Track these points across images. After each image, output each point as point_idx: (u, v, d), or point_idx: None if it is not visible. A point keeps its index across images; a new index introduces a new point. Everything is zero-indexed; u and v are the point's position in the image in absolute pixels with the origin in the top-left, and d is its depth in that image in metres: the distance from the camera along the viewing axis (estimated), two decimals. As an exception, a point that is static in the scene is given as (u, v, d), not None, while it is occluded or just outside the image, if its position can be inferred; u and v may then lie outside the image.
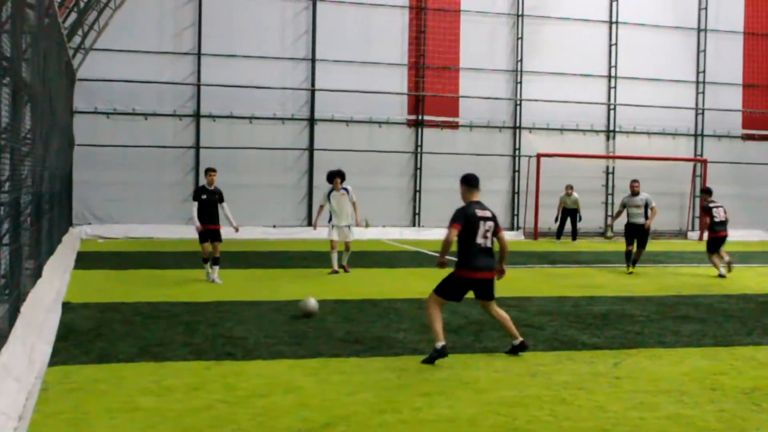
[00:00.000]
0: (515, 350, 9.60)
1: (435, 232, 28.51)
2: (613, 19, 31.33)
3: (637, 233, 19.33)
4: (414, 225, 29.51)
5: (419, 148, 29.52)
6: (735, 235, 30.62)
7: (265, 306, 12.97)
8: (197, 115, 28.08)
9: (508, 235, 28.83)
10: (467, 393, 7.93)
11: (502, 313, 9.71)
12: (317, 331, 10.86)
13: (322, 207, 18.41)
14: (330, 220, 18.07)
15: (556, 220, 28.85)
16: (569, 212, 28.87)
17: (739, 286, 16.95)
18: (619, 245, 21.94)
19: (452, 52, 29.89)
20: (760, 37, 33.00)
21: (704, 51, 32.31)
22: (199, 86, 27.97)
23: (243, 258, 20.69)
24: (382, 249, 24.34)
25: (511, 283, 16.37)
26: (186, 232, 24.47)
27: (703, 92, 32.32)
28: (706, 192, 20.00)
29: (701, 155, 32.25)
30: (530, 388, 8.15)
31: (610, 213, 30.89)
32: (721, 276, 18.25)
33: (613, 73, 31.37)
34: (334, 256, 17.81)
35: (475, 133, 30.02)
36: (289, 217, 28.81)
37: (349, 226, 17.96)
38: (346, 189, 17.94)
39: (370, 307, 13.12)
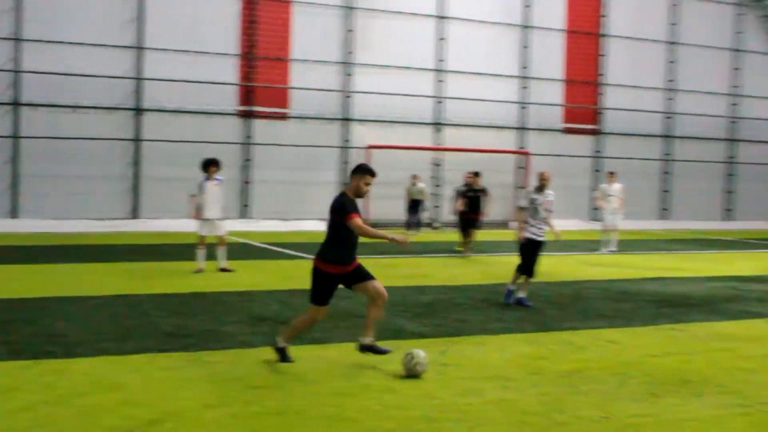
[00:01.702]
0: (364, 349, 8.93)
1: (265, 224, 28.37)
2: (442, 14, 31.96)
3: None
4: (244, 217, 29.22)
5: (249, 140, 29.24)
6: (558, 225, 31.91)
7: (89, 302, 12.52)
8: (15, 104, 26.83)
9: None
10: (297, 385, 7.91)
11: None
12: (143, 327, 10.57)
13: (194, 197, 16.82)
14: (200, 211, 16.65)
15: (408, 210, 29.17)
16: (415, 202, 29.16)
17: (559, 273, 17.64)
18: (447, 236, 22.49)
19: (283, 43, 29.76)
20: (580, 35, 34.44)
21: (528, 47, 33.43)
22: (18, 73, 26.72)
23: (66, 252, 19.93)
24: (210, 241, 23.87)
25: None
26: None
27: (527, 87, 33.45)
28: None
29: (525, 148, 33.37)
30: (360, 378, 8.21)
31: (437, 204, 31.54)
32: None
33: (441, 67, 32.02)
34: (201, 253, 16.61)
35: (306, 125, 29.99)
36: (116, 210, 27.98)
37: (219, 220, 16.78)
38: (220, 179, 16.77)
39: (197, 300, 12.90)
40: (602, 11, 34.84)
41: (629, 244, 25.56)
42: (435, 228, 30.46)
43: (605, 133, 35.20)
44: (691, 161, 36.38)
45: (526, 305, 13.00)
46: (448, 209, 26.06)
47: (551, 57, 33.99)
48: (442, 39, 31.93)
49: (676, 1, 36.27)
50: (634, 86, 35.49)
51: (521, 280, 13.39)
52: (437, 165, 32.10)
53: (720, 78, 37.73)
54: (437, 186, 31.96)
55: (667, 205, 36.31)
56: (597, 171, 34.71)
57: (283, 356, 8.80)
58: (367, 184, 8.72)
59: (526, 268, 13.28)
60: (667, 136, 36.52)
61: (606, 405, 7.49)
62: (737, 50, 38.00)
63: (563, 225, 31.93)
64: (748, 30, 38.23)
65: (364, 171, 8.72)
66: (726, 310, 13.28)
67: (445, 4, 31.98)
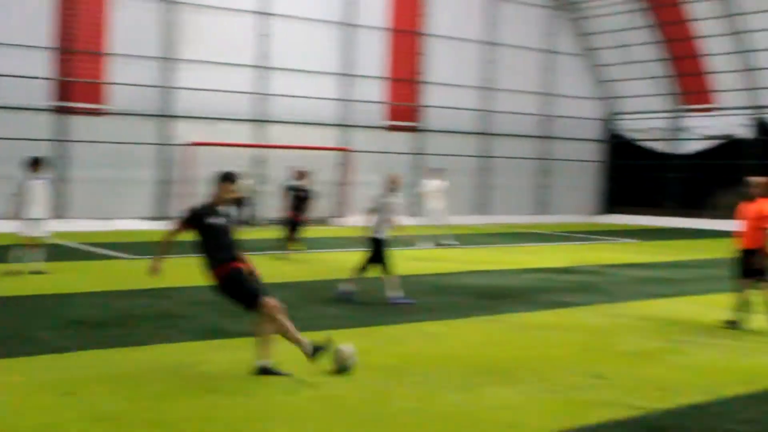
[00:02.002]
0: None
1: (83, 224, 27.40)
2: (264, 10, 31.76)
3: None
4: (61, 217, 28.08)
5: (65, 136, 28.14)
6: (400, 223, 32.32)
7: None
8: None
9: (159, 224, 28.37)
10: (116, 389, 7.70)
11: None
12: (-51, 333, 10.03)
13: (16, 196, 15.74)
14: (21, 211, 15.66)
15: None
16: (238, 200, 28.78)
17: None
18: (270, 233, 22.42)
19: (101, 36, 28.77)
20: (402, 34, 35.03)
21: (351, 45, 33.71)
22: None
23: None
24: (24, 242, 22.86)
25: (162, 273, 16.13)
26: None
27: (350, 84, 33.73)
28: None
29: (348, 145, 33.66)
30: (178, 380, 8.08)
31: (260, 202, 31.36)
32: None
33: (265, 64, 31.82)
34: (20, 254, 15.80)
35: (125, 121, 29.13)
36: None
37: (43, 220, 15.93)
38: (45, 178, 15.88)
39: (9, 304, 12.33)
40: (423, 10, 35.54)
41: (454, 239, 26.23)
42: (259, 225, 30.27)
43: (427, 131, 35.95)
44: (509, 158, 37.64)
45: (397, 303, 13.06)
46: (272, 206, 25.90)
47: (374, 55, 34.39)
48: (265, 35, 31.73)
49: (493, 2, 37.43)
50: (454, 85, 36.39)
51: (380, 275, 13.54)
52: (262, 162, 31.90)
53: (534, 77, 39.23)
54: (262, 183, 31.75)
55: (485, 200, 37.44)
56: (418, 168, 35.39)
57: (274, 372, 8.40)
58: (229, 191, 8.72)
59: (378, 264, 13.43)
60: (486, 134, 37.66)
61: (426, 396, 7.69)
62: (550, 51, 39.62)
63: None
64: (560, 32, 39.93)
65: (222, 179, 8.74)
66: (539, 301, 13.87)
67: (267, 0, 31.79)
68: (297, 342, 8.53)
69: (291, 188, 20.91)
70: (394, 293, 13.26)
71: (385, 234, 13.46)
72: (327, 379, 8.17)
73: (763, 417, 7.29)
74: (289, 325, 8.56)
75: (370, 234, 13.45)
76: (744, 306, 11.68)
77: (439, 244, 23.63)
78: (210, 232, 8.59)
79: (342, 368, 8.42)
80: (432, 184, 23.96)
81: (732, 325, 11.67)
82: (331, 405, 7.34)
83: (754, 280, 11.61)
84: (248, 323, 11.03)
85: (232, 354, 9.26)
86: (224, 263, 8.61)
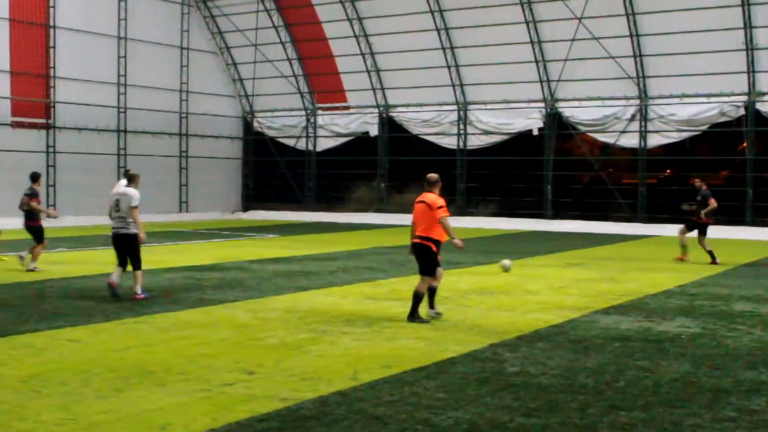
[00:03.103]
0: None
1: None
2: None
3: None
4: None
5: None
6: (8, 223, 30.39)
7: None
8: None
9: None
10: None
11: None
12: None
13: None
14: None
15: None
16: None
17: (14, 275, 16.83)
18: None
19: None
20: (27, 25, 33.04)
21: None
22: None
23: None
24: None
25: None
26: None
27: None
28: None
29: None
30: None
31: None
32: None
33: None
34: None
35: None
36: None
37: None
38: None
39: None
40: (50, 2, 33.77)
41: (87, 240, 25.23)
42: None
43: (58, 127, 34.24)
44: (146, 155, 36.84)
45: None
46: None
47: (-5, 47, 32.17)
48: None
49: (124, -4, 36.51)
50: (86, 80, 34.99)
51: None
52: None
53: (170, 74, 38.76)
54: None
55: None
56: (51, 166, 33.64)
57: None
58: None
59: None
60: (122, 131, 36.63)
61: (70, 406, 7.31)
62: (184, 48, 39.35)
63: (16, 224, 30.60)
64: (194, 29, 39.82)
65: None
66: (185, 300, 13.73)
67: None
68: None
69: None
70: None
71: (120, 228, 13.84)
72: (-43, 397, 7.51)
73: (404, 397, 7.72)
74: None
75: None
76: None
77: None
78: None
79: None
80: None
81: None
82: (-36, 425, 6.74)
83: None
84: None
85: None
86: None
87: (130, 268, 13.84)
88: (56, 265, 18.74)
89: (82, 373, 8.48)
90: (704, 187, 20.93)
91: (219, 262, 19.64)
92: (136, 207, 13.71)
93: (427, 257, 12.05)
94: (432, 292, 12.19)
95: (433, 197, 12.16)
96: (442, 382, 8.36)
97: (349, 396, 7.79)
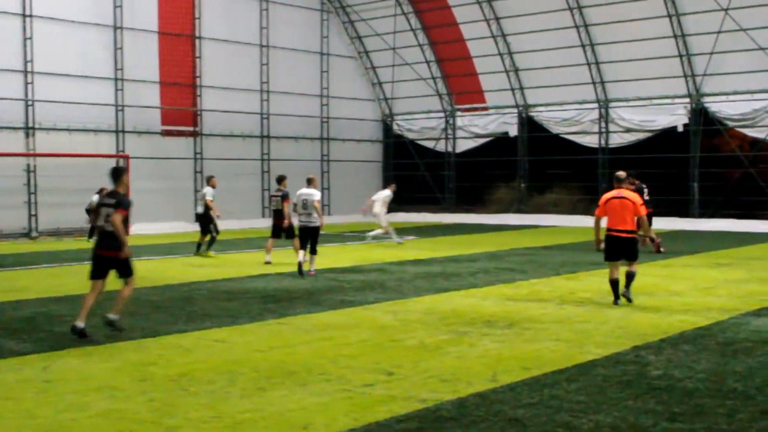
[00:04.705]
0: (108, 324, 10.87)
1: None
2: (26, 12, 30.22)
3: None
4: None
5: None
6: (161, 228, 31.65)
7: None
8: None
9: None
10: None
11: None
12: None
13: None
14: None
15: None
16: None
17: (164, 276, 17.46)
18: (45, 245, 21.38)
19: None
20: (174, 37, 34.30)
21: (121, 48, 32.65)
22: None
23: None
24: None
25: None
26: None
27: (122, 89, 32.68)
28: None
29: (123, 151, 32.60)
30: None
31: (34, 213, 29.89)
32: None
33: (29, 68, 30.28)
34: None
35: None
36: None
37: None
38: None
39: None
40: (195, 14, 34.97)
41: (233, 243, 25.97)
42: (33, 238, 28.84)
43: (204, 135, 35.41)
44: (289, 160, 37.62)
45: None
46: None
47: (146, 58, 33.47)
48: (28, 38, 30.19)
49: (265, 5, 37.36)
50: (231, 88, 36.04)
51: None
52: (31, 172, 30.32)
53: (310, 80, 39.52)
54: (32, 194, 30.19)
55: (266, 203, 37.27)
56: (198, 173, 34.82)
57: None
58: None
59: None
60: (265, 136, 37.57)
61: (216, 404, 7.54)
62: (324, 54, 40.04)
63: (167, 228, 31.89)
64: (333, 34, 40.47)
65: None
66: (326, 301, 13.95)
67: (29, 2, 30.22)
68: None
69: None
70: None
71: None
72: (111, 394, 7.86)
73: (544, 400, 7.63)
74: None
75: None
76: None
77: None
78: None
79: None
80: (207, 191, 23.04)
81: None
82: (117, 420, 7.05)
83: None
84: (30, 340, 10.48)
85: (11, 375, 8.71)
86: None
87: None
88: (203, 268, 19.36)
89: (228, 373, 8.73)
90: None
91: (360, 264, 19.87)
92: (319, 201, 17.53)
93: (634, 247, 13.39)
94: (630, 277, 13.40)
95: (634, 194, 13.58)
96: (582, 384, 8.22)
97: (488, 398, 7.75)
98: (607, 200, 13.46)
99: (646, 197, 22.06)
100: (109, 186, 11.44)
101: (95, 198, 21.19)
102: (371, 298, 14.25)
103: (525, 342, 10.45)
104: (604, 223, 13.55)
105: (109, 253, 10.82)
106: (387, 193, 26.67)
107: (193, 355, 9.71)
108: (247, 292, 15.00)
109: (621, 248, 13.28)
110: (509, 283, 16.44)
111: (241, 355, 9.67)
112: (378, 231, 26.18)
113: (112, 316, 10.85)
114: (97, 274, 10.92)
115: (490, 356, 9.62)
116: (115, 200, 10.84)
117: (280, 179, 20.31)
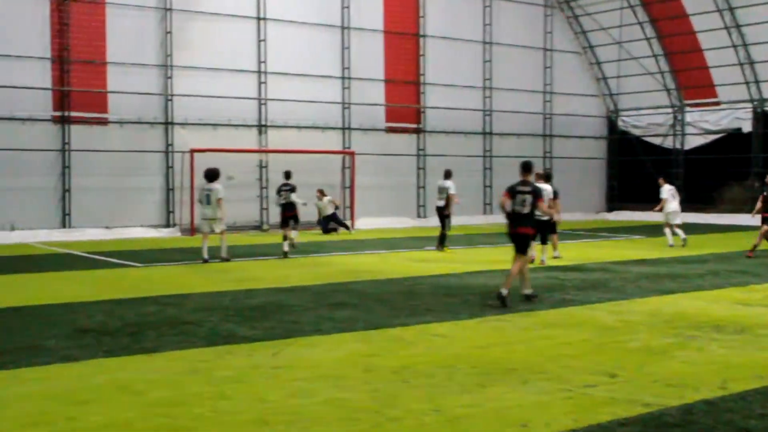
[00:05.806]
0: None
1: (88, 233, 27.40)
2: (261, 15, 31.75)
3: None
4: (64, 226, 28.07)
5: (67, 146, 28.11)
6: (384, 222, 32.42)
7: None
8: None
9: (165, 231, 28.40)
10: (124, 396, 7.66)
11: None
12: (-45, 346, 9.99)
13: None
14: None
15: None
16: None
17: (387, 270, 17.85)
18: (275, 237, 22.36)
19: (99, 45, 28.74)
20: (399, 36, 34.99)
21: (348, 48, 33.67)
22: None
23: None
24: (28, 252, 22.91)
25: (168, 279, 16.18)
26: None
27: (349, 87, 33.70)
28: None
29: (349, 147, 33.62)
30: (190, 386, 8.04)
31: (265, 206, 31.36)
32: None
33: (262, 69, 31.80)
34: None
35: (126, 130, 29.12)
36: None
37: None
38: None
39: (14, 315, 12.29)
40: (420, 12, 35.51)
41: (454, 239, 26.16)
42: (264, 230, 30.27)
43: (427, 132, 35.91)
44: (510, 156, 37.43)
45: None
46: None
47: (372, 57, 34.35)
48: (262, 40, 31.71)
49: (488, 2, 37.39)
50: (453, 85, 36.35)
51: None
52: (263, 167, 31.87)
53: (533, 76, 39.19)
54: (264, 188, 31.71)
55: (489, 199, 37.35)
56: (421, 169, 35.36)
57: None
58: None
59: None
60: (487, 133, 37.63)
61: (436, 397, 7.64)
62: (547, 49, 39.61)
63: (392, 222, 32.61)
64: (557, 30, 39.93)
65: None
66: (547, 300, 13.80)
67: (263, 5, 31.74)
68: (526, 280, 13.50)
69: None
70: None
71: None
72: (336, 383, 8.13)
73: (777, 411, 7.23)
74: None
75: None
76: None
77: None
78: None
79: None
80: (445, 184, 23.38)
81: None
82: (341, 408, 7.28)
83: None
84: (261, 328, 11.03)
85: (243, 360, 9.20)
86: None
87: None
88: (424, 263, 19.64)
89: (447, 368, 8.82)
90: None
91: (582, 263, 19.54)
92: (549, 198, 18.87)
93: None
94: None
95: None
96: (822, 396, 7.72)
97: (717, 406, 7.42)
98: None
99: None
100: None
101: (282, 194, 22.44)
102: (593, 298, 13.98)
103: (758, 349, 9.92)
104: None
105: (525, 230, 13.52)
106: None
107: (415, 348, 9.88)
108: (467, 288, 15.09)
109: None
110: (741, 286, 15.65)
111: (460, 350, 9.74)
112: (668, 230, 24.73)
113: (526, 291, 13.58)
114: (518, 248, 13.50)
115: (718, 362, 9.20)
116: (531, 188, 13.64)
117: (288, 174, 22.70)
